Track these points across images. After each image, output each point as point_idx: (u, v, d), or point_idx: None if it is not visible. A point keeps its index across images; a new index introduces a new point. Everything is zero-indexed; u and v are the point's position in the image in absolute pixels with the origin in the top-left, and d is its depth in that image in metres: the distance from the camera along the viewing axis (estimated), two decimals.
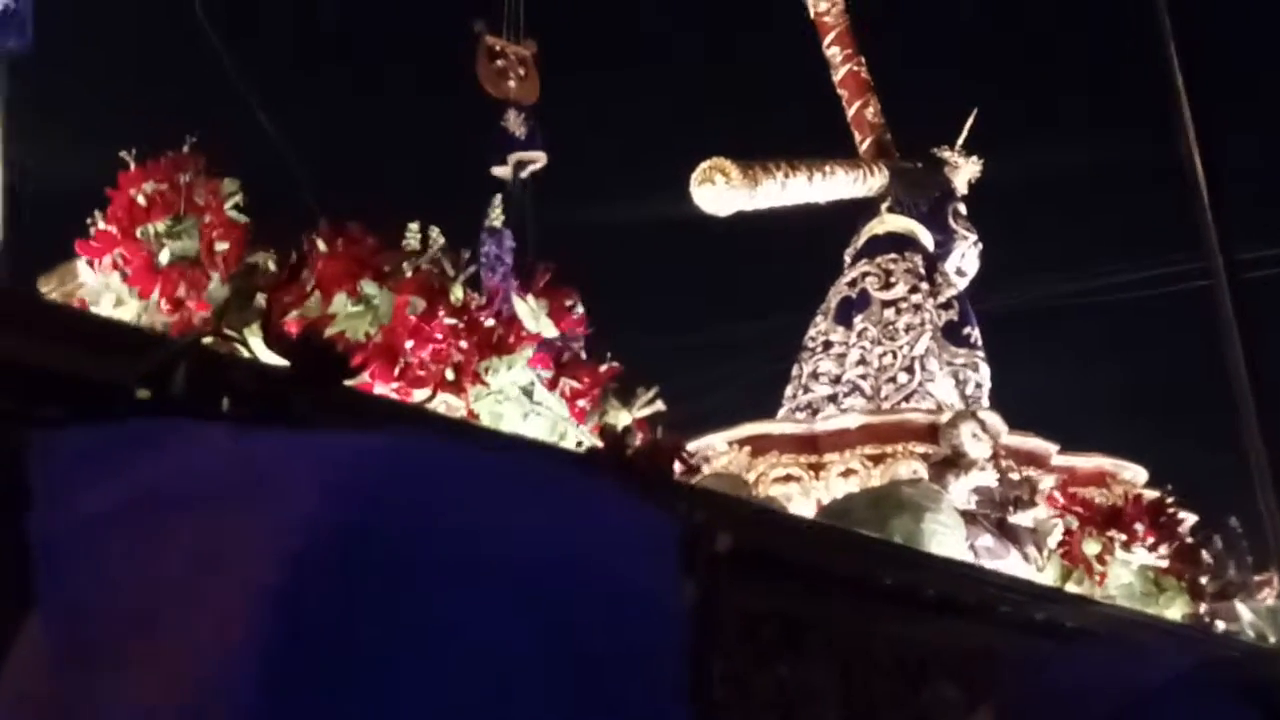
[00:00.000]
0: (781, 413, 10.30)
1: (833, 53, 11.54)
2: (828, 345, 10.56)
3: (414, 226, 6.15)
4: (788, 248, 12.83)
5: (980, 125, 11.29)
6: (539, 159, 8.74)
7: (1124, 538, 8.18)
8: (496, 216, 7.71)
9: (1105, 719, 1.28)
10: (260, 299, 4.38)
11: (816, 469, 8.97)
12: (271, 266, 4.53)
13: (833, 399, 10.12)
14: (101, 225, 4.95)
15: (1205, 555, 8.61)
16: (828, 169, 10.42)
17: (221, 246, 5.05)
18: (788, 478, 8.96)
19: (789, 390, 10.54)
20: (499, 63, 8.83)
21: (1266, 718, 1.32)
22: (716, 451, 9.20)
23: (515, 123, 8.80)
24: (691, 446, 9.43)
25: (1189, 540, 8.53)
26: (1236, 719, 1.30)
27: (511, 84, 8.83)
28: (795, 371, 10.62)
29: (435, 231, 6.24)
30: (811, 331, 10.80)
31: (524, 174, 9.20)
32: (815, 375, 10.38)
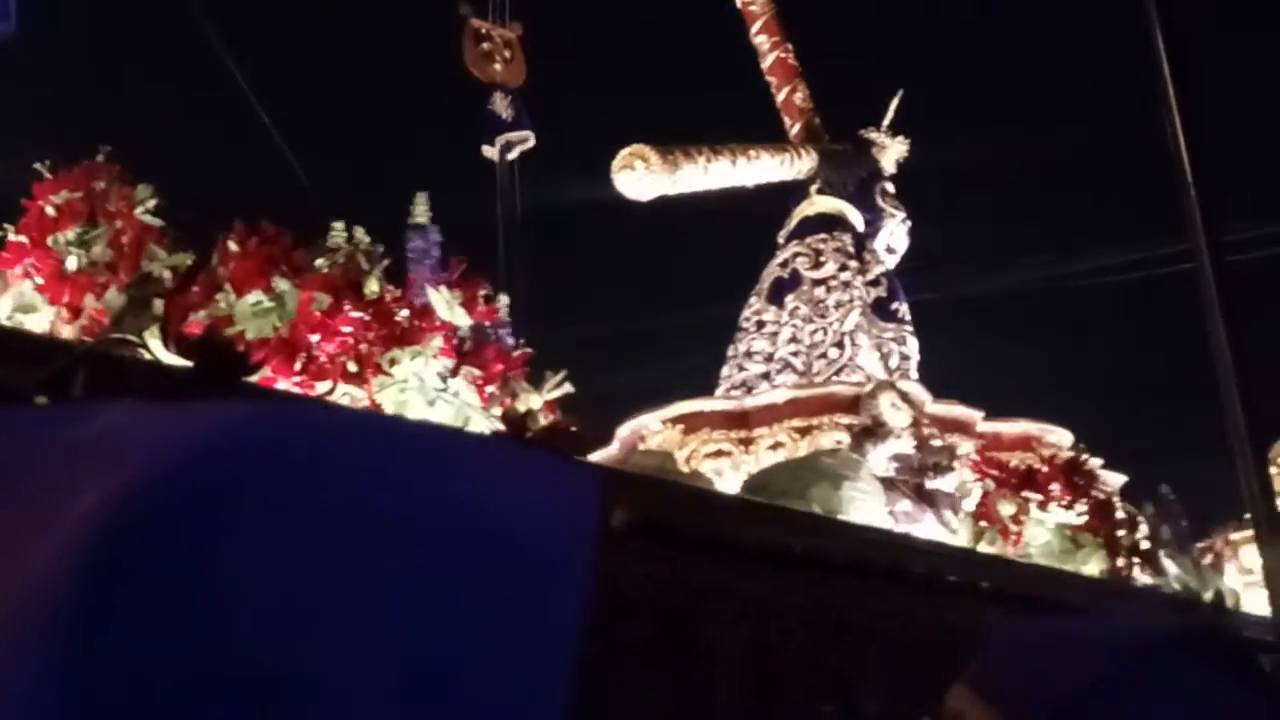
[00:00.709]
0: (719, 392, 10.59)
1: (760, 41, 11.81)
2: (760, 324, 10.85)
3: (339, 225, 6.41)
4: (728, 233, 13.11)
5: (905, 109, 11.58)
6: (527, 139, 8.96)
7: (1039, 498, 8.48)
8: (422, 213, 7.96)
9: (1078, 692, 1.29)
10: (158, 304, 4.63)
11: (746, 443, 9.26)
12: (167, 273, 4.76)
13: (766, 376, 10.41)
14: (13, 236, 5.20)
15: (1123, 512, 8.91)
16: (752, 153, 10.71)
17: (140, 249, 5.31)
18: (719, 453, 9.26)
19: (724, 370, 10.83)
20: (485, 45, 8.98)
21: (1234, 677, 1.31)
22: (651, 430, 9.49)
23: (502, 104, 9.02)
24: (627, 426, 9.76)
25: (1105, 498, 8.82)
26: (1207, 684, 1.30)
27: (498, 66, 8.98)
28: (730, 351, 10.91)
29: (360, 231, 6.49)
30: (746, 312, 11.08)
31: (511, 154, 9.41)
32: (749, 354, 10.68)
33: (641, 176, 9.56)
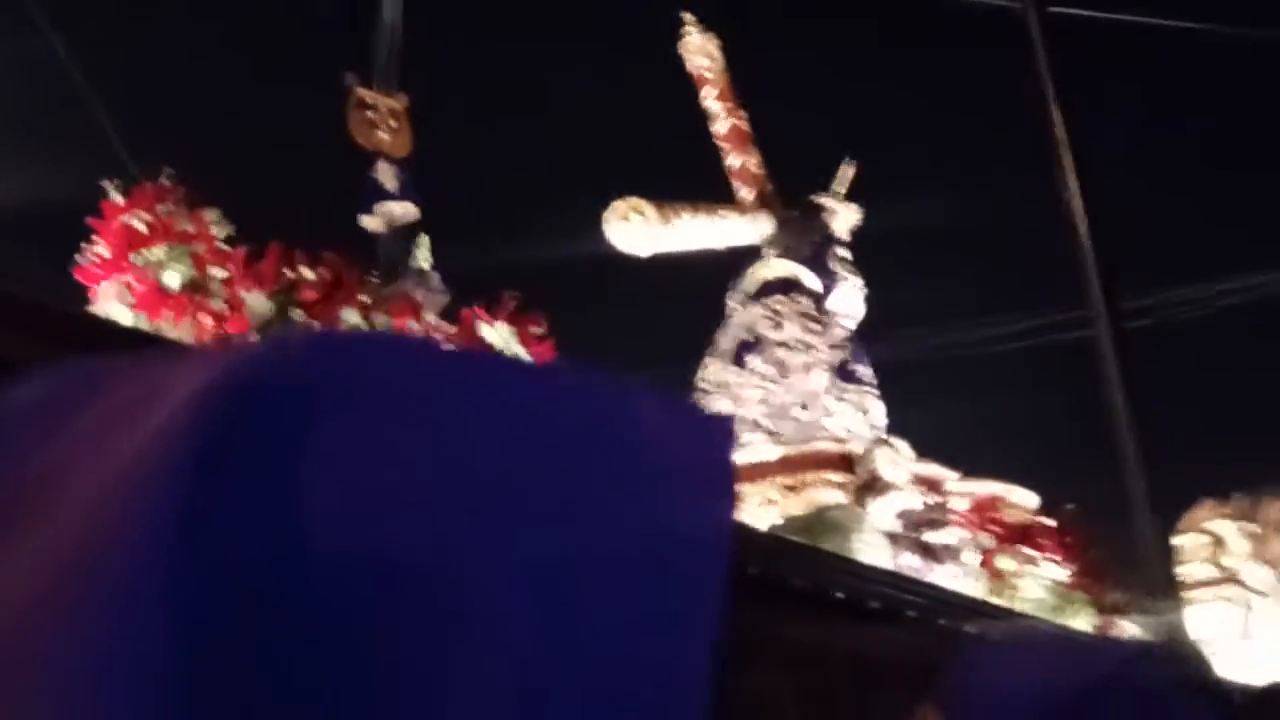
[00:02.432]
0: None
1: (713, 107, 11.91)
2: (723, 388, 10.83)
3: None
4: (664, 292, 13.10)
5: (862, 175, 11.77)
6: (410, 211, 8.80)
7: (1035, 555, 8.58)
8: (424, 258, 7.80)
9: (1049, 713, 1.29)
10: (298, 314, 4.44)
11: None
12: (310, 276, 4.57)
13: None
14: (100, 254, 4.95)
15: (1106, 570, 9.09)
16: (721, 212, 10.76)
17: (218, 273, 5.09)
18: None
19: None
20: (369, 114, 8.84)
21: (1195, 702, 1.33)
22: None
23: (386, 174, 8.83)
24: None
25: (1094, 557, 8.98)
26: (1171, 705, 1.31)
27: (383, 136, 8.84)
28: None
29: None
30: (704, 374, 11.06)
31: (395, 225, 9.23)
32: None
33: (638, 229, 9.52)
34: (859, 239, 11.83)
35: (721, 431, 0.72)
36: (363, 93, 8.87)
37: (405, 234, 9.29)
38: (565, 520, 0.64)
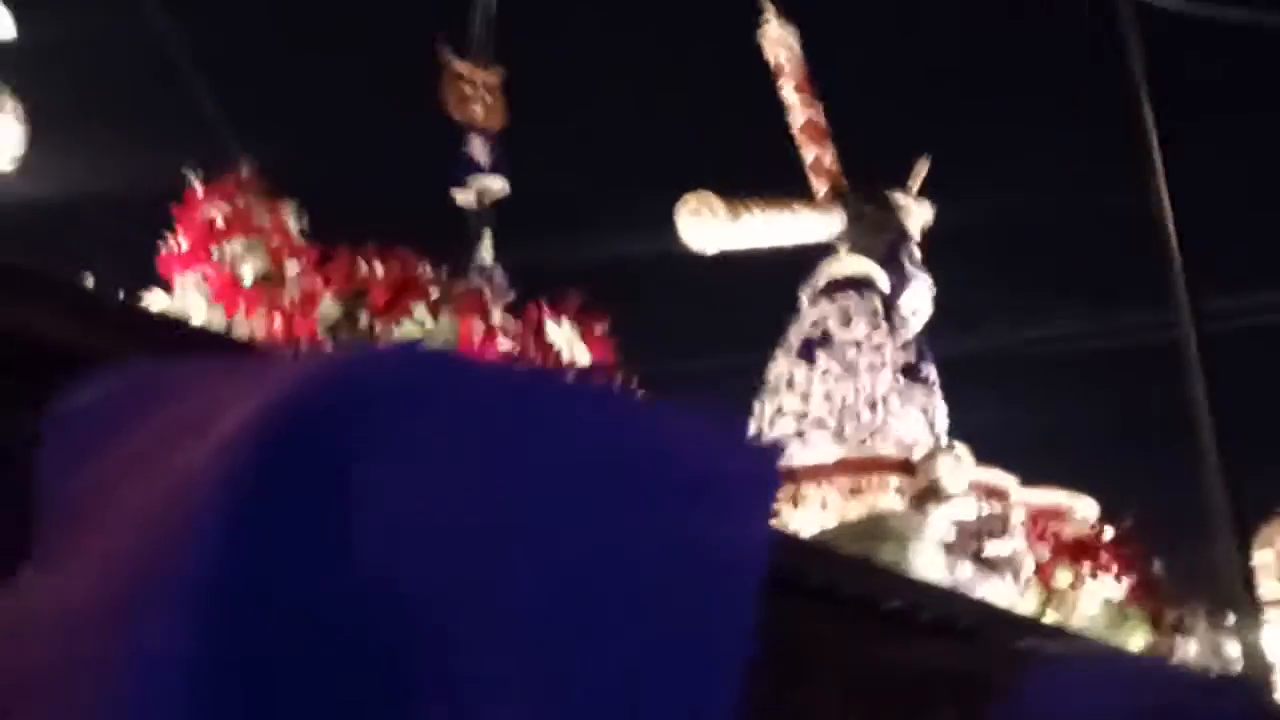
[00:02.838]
0: None
1: (791, 99, 11.88)
2: (790, 383, 10.83)
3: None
4: (738, 286, 13.11)
5: (935, 172, 11.70)
6: (503, 186, 8.85)
7: (1092, 568, 8.54)
8: (487, 252, 7.87)
9: None
10: (364, 318, 4.52)
11: (795, 501, 9.22)
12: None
13: (799, 434, 10.39)
14: (181, 243, 5.05)
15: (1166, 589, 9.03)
16: (795, 209, 10.75)
17: (293, 267, 5.18)
18: None
19: (752, 427, 10.79)
20: (466, 88, 8.87)
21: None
22: None
23: (480, 149, 8.88)
24: None
25: (1151, 573, 8.92)
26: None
27: (477, 109, 8.87)
28: (758, 409, 10.88)
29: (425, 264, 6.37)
30: (772, 369, 11.06)
31: (487, 200, 9.31)
32: (780, 411, 10.65)
33: (708, 224, 9.55)
34: (931, 234, 11.78)
35: (764, 453, 0.74)
36: (459, 65, 8.92)
37: (494, 210, 9.38)
38: (599, 539, 0.67)
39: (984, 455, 10.23)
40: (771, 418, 10.69)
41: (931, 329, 11.75)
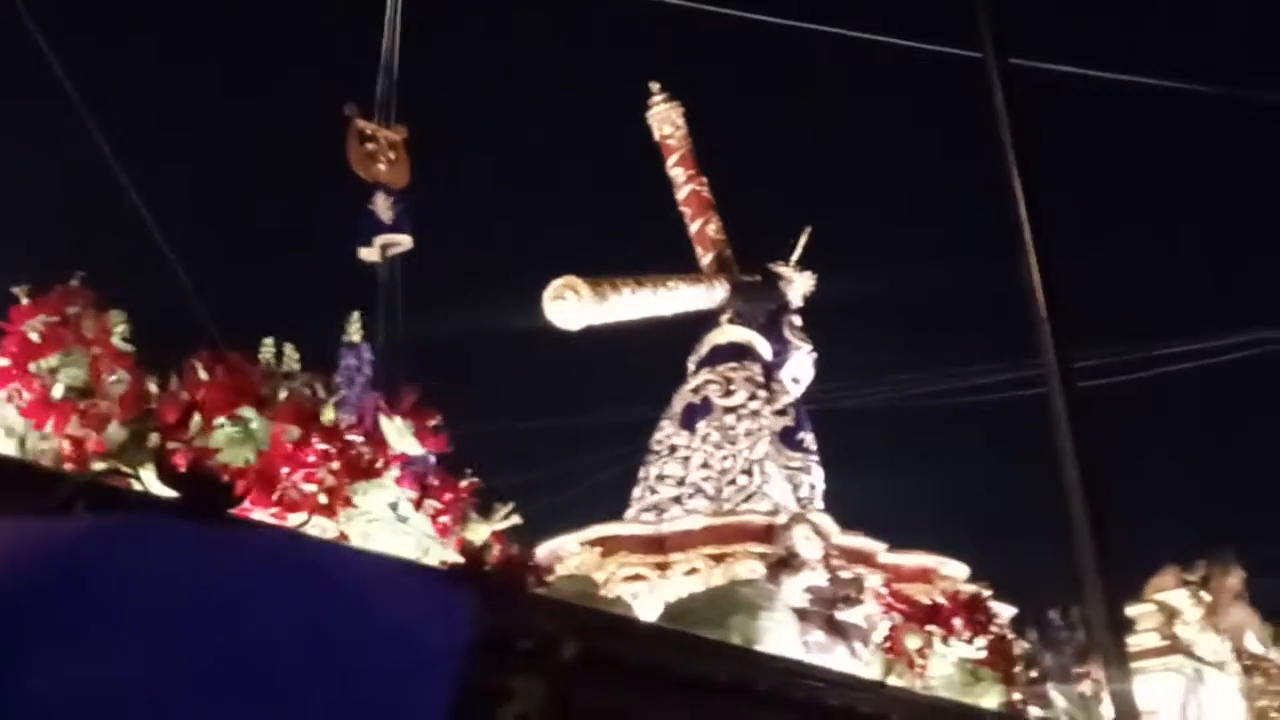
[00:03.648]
0: (630, 513, 10.85)
1: (676, 173, 12.28)
2: (673, 449, 11.16)
3: (268, 342, 6.51)
4: (633, 352, 13.45)
5: (814, 243, 12.09)
6: (405, 242, 9.05)
7: (943, 632, 8.83)
8: (355, 331, 8.14)
9: None
10: (154, 438, 4.79)
11: (663, 568, 9.52)
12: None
13: (678, 500, 10.71)
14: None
15: (1019, 647, 9.31)
16: (670, 284, 11.11)
17: (112, 378, 5.45)
18: (636, 576, 9.50)
19: (636, 491, 11.10)
20: (369, 146, 9.08)
21: None
22: (568, 552, 9.70)
23: (383, 206, 9.09)
24: (545, 546, 9.95)
25: (1003, 634, 9.21)
26: None
27: (381, 167, 9.08)
28: (642, 474, 11.19)
29: (289, 348, 6.60)
30: (657, 435, 11.39)
31: (389, 255, 9.52)
32: (661, 478, 10.97)
33: (573, 306, 9.88)
34: (811, 304, 12.15)
35: (458, 605, 0.81)
36: (363, 124, 9.16)
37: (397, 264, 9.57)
38: (291, 693, 0.73)
39: (859, 518, 10.58)
40: (653, 483, 11.00)
41: (817, 396, 12.10)
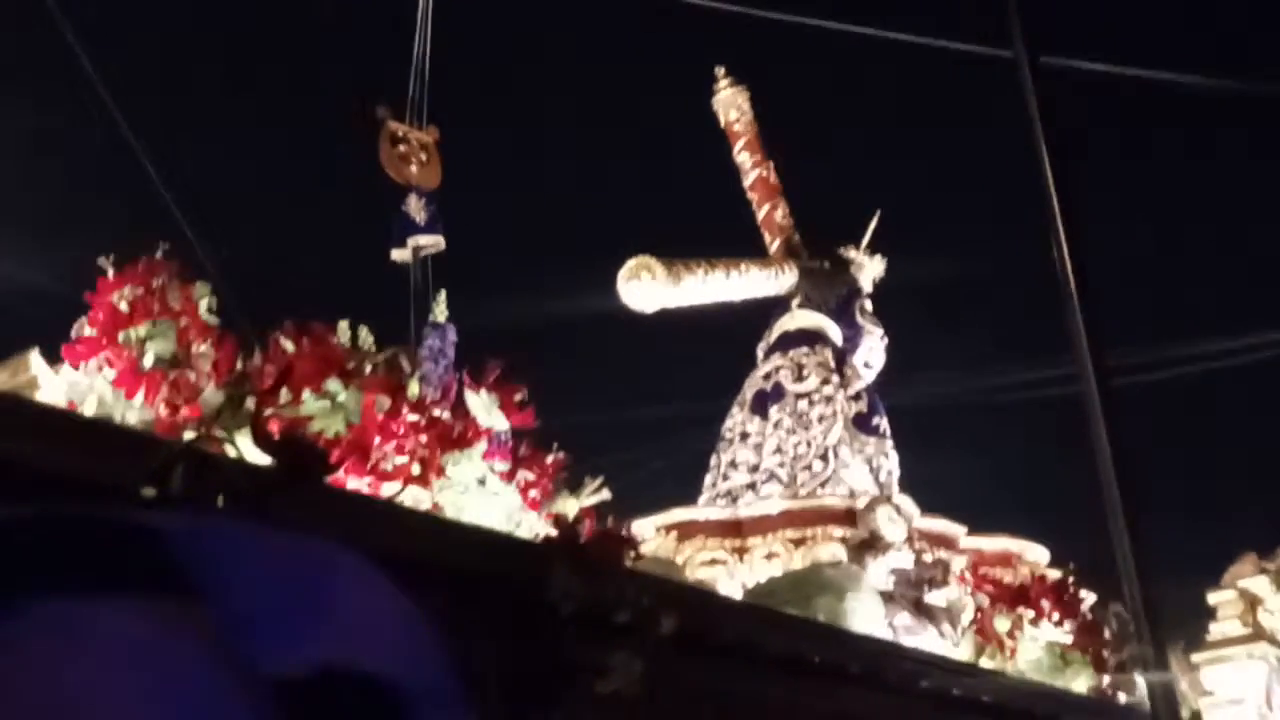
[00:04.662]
0: (702, 500, 10.69)
1: (743, 159, 12.10)
2: (744, 435, 10.99)
3: (343, 325, 6.44)
4: (701, 340, 13.30)
5: (884, 228, 11.91)
6: (437, 243, 9.00)
7: (1032, 614, 8.65)
8: (441, 312, 8.04)
9: None
10: (249, 403, 4.69)
11: (740, 552, 9.36)
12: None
13: (751, 486, 10.54)
14: (87, 331, 5.25)
15: (1107, 631, 9.11)
16: (743, 267, 10.95)
17: (200, 348, 5.37)
18: (713, 561, 9.34)
19: (708, 479, 10.94)
20: (401, 148, 9.02)
21: None
22: (645, 536, 9.55)
23: (416, 207, 9.03)
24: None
25: (1091, 617, 9.02)
26: None
27: (413, 169, 9.01)
28: (714, 461, 11.03)
29: (364, 330, 6.52)
30: (728, 422, 11.23)
31: (421, 256, 9.47)
32: (734, 464, 10.81)
33: (648, 287, 9.75)
34: (882, 289, 11.97)
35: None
36: (395, 126, 9.11)
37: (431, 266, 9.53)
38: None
39: (937, 503, 10.38)
40: (725, 470, 10.85)
41: (889, 380, 11.91)
